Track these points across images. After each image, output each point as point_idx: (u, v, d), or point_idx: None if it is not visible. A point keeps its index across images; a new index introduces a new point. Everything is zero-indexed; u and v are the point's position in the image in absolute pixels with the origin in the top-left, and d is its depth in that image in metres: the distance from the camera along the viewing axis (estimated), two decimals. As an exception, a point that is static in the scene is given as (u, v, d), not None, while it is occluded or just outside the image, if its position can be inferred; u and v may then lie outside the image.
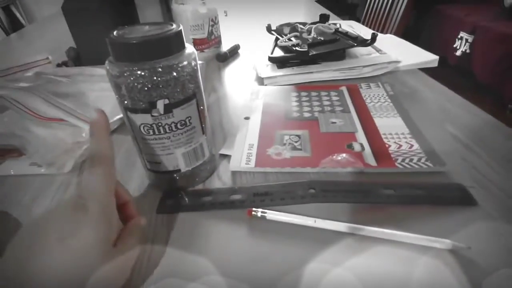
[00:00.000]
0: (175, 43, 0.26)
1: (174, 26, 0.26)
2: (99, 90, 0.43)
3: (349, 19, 0.91)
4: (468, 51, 1.92)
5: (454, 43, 2.02)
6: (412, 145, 0.35)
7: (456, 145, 0.35)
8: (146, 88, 0.24)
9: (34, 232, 0.20)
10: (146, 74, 0.24)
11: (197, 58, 0.27)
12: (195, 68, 0.27)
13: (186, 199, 0.30)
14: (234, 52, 0.68)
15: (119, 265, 0.21)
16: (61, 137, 0.38)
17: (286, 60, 0.55)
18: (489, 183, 0.30)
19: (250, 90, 0.50)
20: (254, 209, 0.28)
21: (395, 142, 0.35)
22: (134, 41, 0.24)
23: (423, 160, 0.32)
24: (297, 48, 0.53)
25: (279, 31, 0.65)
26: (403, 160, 0.32)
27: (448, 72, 2.12)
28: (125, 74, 0.24)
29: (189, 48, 0.27)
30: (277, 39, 0.62)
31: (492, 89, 1.78)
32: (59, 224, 0.19)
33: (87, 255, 0.19)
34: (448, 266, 0.23)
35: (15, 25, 2.22)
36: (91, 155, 0.23)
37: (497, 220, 0.26)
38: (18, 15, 2.30)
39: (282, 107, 0.44)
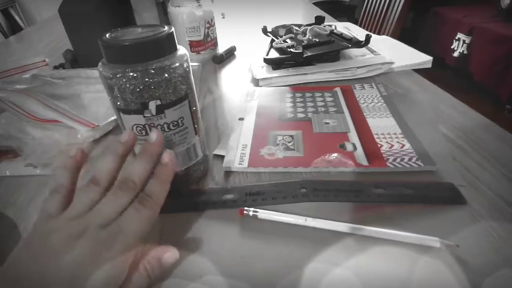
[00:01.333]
0: (167, 45, 0.26)
1: (166, 28, 0.26)
2: (94, 91, 0.43)
3: (348, 20, 0.91)
4: (465, 52, 1.93)
5: (452, 44, 2.03)
6: (403, 145, 0.35)
7: (447, 145, 0.35)
8: (138, 90, 0.25)
9: (44, 256, 0.19)
10: (138, 76, 0.24)
11: (189, 60, 0.28)
12: (187, 69, 0.27)
13: (180, 199, 0.31)
14: (230, 54, 0.68)
15: None
16: (56, 139, 0.38)
17: (281, 61, 0.56)
18: (479, 182, 0.30)
19: (245, 91, 0.50)
20: (246, 208, 0.28)
21: (387, 142, 0.36)
22: (126, 43, 0.24)
23: (414, 159, 0.33)
24: (291, 50, 0.54)
25: (275, 32, 0.65)
26: (394, 160, 0.33)
27: (446, 73, 2.13)
28: (118, 76, 0.24)
29: (181, 50, 0.28)
30: (272, 40, 0.62)
31: (489, 89, 1.79)
32: (74, 261, 0.19)
33: None
34: (436, 263, 0.23)
35: (14, 28, 2.23)
36: (147, 193, 0.23)
37: (486, 219, 0.26)
38: (17, 18, 2.31)
39: (276, 108, 0.45)
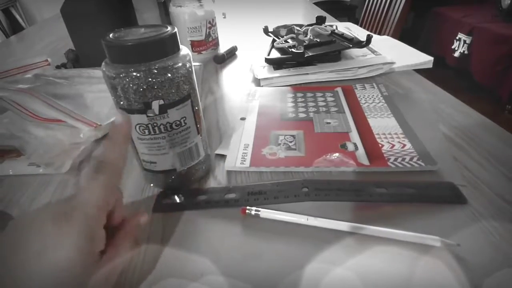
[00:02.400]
0: (170, 45, 0.26)
1: (169, 28, 0.26)
2: (96, 91, 0.43)
3: (348, 20, 0.92)
4: (466, 52, 1.93)
5: (452, 44, 2.03)
6: (404, 145, 0.35)
7: (448, 145, 0.36)
8: (141, 89, 0.25)
9: (13, 241, 0.19)
10: (141, 76, 0.25)
11: (191, 60, 0.28)
12: (190, 69, 0.28)
13: (182, 198, 0.31)
14: (231, 53, 0.68)
15: (103, 275, 0.20)
16: (59, 138, 0.38)
17: (283, 61, 0.56)
18: (480, 182, 0.30)
19: (247, 91, 0.51)
20: (248, 207, 0.28)
21: (388, 142, 0.36)
22: (130, 43, 0.24)
23: (415, 159, 0.33)
24: (293, 50, 0.54)
25: (276, 32, 0.65)
26: (395, 160, 0.33)
27: (446, 74, 2.13)
28: (121, 76, 0.25)
29: (184, 50, 0.28)
30: (273, 40, 0.62)
31: (490, 90, 1.79)
32: (40, 235, 0.19)
33: (67, 269, 0.18)
34: (437, 262, 0.23)
35: (15, 28, 2.23)
36: (100, 160, 0.22)
37: (486, 218, 0.27)
38: (18, 17, 2.31)
39: (278, 108, 0.45)
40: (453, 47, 2.03)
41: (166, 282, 0.23)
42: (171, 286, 0.23)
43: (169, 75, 0.26)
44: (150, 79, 0.25)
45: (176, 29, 0.27)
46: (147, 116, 0.26)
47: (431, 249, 0.24)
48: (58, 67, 0.61)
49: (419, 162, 0.32)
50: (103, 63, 0.26)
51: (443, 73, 2.13)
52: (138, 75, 0.25)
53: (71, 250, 0.18)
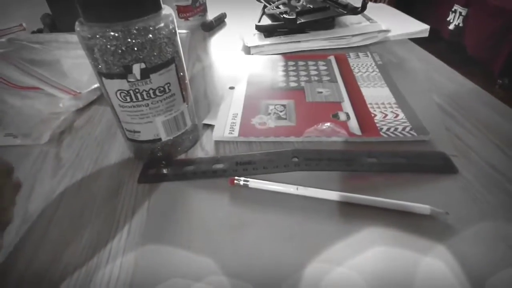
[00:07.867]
0: (150, 2, 0.24)
1: (149, -16, 0.24)
2: (74, 57, 0.41)
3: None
4: (461, 25, 1.90)
5: (448, 16, 1.99)
6: (397, 115, 0.34)
7: (441, 115, 0.35)
8: (120, 51, 0.23)
9: None
10: (120, 36, 0.23)
11: (175, 21, 0.26)
12: (173, 31, 0.26)
13: (168, 168, 0.30)
14: (220, 21, 0.65)
15: None
16: (37, 108, 0.36)
17: (274, 28, 0.54)
18: (471, 152, 0.30)
19: (236, 60, 0.48)
20: (236, 177, 0.27)
21: (381, 112, 0.35)
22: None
23: (407, 129, 0.32)
24: (285, 16, 0.51)
25: (267, -2, 0.62)
26: (387, 130, 0.32)
27: (440, 46, 2.10)
28: (97, 36, 0.23)
29: (167, 9, 0.26)
30: (264, 6, 0.59)
31: (482, 63, 1.78)
32: None
33: None
34: (426, 230, 0.23)
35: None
36: None
37: (476, 187, 0.27)
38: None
39: (268, 77, 0.43)
40: (448, 19, 1.99)
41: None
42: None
43: (150, 36, 0.24)
44: (129, 40, 0.23)
45: (157, -15, 0.24)
46: (128, 82, 0.25)
47: (420, 218, 0.24)
48: (34, 32, 0.57)
49: (411, 132, 0.32)
50: (76, 23, 0.24)
51: (437, 46, 2.10)
52: (116, 35, 0.23)
53: None
